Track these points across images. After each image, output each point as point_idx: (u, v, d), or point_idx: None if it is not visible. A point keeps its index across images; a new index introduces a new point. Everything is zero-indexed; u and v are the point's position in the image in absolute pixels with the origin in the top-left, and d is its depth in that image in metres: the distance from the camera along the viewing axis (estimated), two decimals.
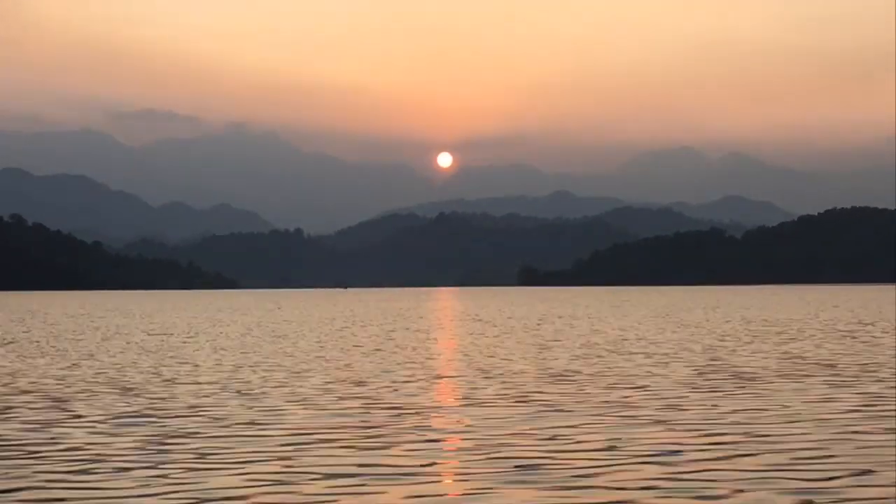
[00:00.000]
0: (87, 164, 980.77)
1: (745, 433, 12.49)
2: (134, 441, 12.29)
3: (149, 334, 39.93)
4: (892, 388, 17.65)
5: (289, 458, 10.90)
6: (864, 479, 9.37)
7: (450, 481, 9.55)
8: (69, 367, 24.13)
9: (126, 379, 20.66)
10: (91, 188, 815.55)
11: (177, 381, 20.12)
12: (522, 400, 16.10)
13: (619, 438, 12.05)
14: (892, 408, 14.90)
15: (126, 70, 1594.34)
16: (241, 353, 28.49)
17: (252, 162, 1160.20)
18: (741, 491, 8.97)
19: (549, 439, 12.06)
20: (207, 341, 34.53)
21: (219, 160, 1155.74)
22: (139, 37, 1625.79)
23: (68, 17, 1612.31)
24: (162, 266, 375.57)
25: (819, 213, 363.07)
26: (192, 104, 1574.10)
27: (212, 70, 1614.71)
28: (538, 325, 45.40)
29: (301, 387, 18.60)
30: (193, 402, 16.44)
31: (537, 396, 16.60)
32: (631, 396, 16.46)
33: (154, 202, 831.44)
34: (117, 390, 18.42)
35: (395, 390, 17.82)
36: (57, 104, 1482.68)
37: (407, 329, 42.50)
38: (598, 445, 11.61)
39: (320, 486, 9.36)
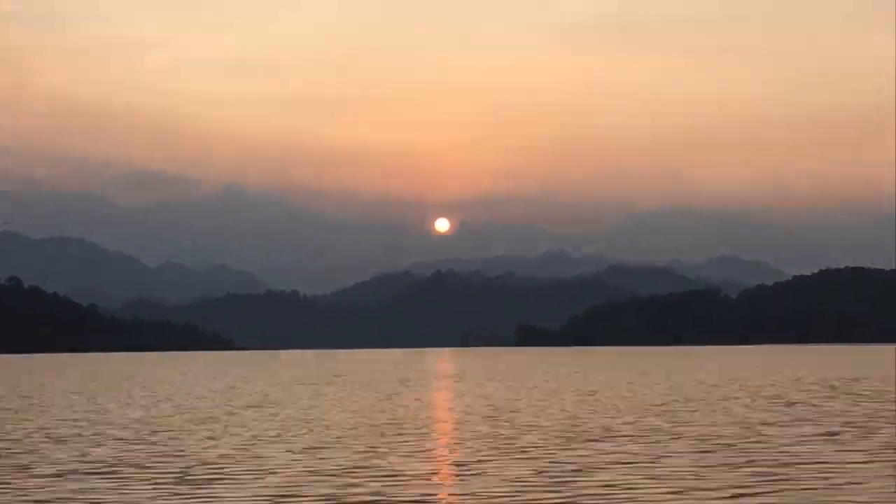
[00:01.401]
0: (83, 226, 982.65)
1: None
2: None
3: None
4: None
5: None
6: None
7: None
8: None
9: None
10: (88, 250, 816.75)
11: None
12: None
13: None
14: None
15: (122, 132, 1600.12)
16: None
17: (248, 223, 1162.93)
18: None
19: None
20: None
21: (215, 221, 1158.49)
22: (135, 100, 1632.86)
23: (64, 80, 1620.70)
24: (158, 327, 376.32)
25: (813, 273, 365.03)
26: (189, 166, 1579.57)
27: (208, 132, 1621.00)
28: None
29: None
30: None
31: None
32: None
33: (151, 263, 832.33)
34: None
35: None
36: (53, 167, 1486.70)
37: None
38: None
39: None
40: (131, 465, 19.59)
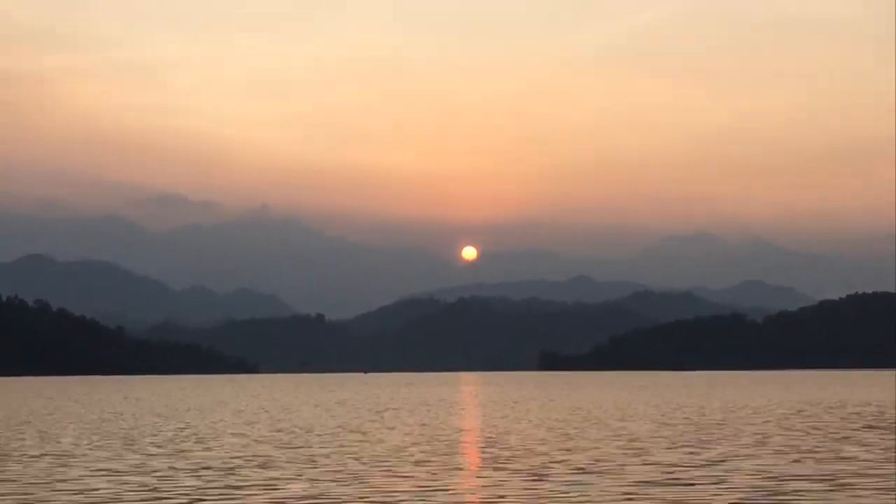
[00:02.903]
0: (109, 249, 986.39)
1: None
2: None
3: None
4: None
5: None
6: None
7: None
8: None
9: None
10: (114, 273, 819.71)
11: None
12: None
13: None
14: None
15: (148, 156, 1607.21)
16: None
17: (273, 247, 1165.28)
18: None
19: None
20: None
21: (240, 245, 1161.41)
22: (161, 123, 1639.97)
23: (91, 103, 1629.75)
24: (183, 351, 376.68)
25: (840, 298, 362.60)
26: (213, 190, 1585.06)
27: (233, 156, 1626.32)
28: None
29: None
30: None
31: None
32: None
33: (176, 287, 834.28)
34: None
35: None
36: (80, 191, 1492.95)
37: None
38: None
39: None
40: None
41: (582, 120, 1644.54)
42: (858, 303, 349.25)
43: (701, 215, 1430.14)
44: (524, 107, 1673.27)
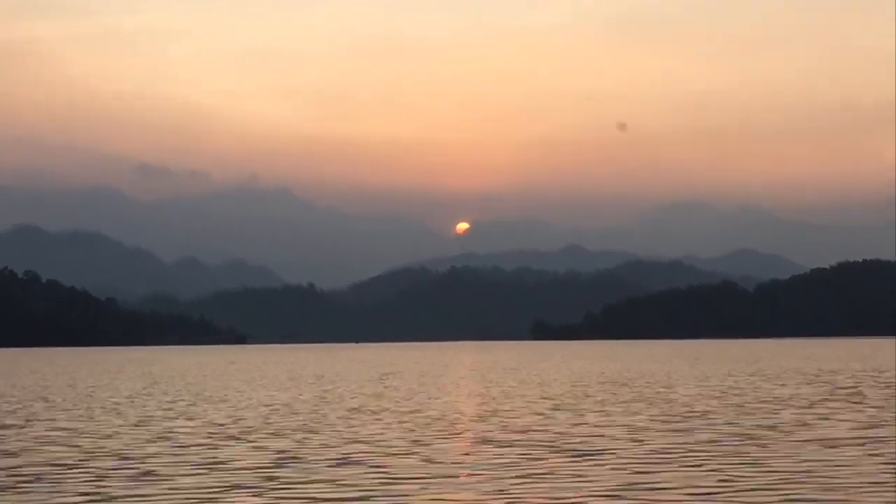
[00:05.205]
0: (100, 220, 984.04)
1: None
2: None
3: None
4: None
5: None
6: None
7: None
8: None
9: None
10: (105, 245, 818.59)
11: None
12: None
13: None
14: None
15: (139, 127, 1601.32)
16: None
17: (265, 218, 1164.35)
18: None
19: None
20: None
21: (232, 216, 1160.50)
22: (152, 93, 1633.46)
23: (83, 72, 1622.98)
24: (175, 322, 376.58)
25: (831, 266, 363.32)
26: (205, 161, 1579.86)
27: (225, 126, 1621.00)
28: None
29: None
30: None
31: None
32: None
33: (167, 258, 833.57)
34: None
35: None
36: (71, 161, 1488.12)
37: None
38: None
39: None
40: None
41: (572, 88, 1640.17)
42: (849, 271, 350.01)
43: (693, 183, 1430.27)
44: (515, 76, 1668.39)
